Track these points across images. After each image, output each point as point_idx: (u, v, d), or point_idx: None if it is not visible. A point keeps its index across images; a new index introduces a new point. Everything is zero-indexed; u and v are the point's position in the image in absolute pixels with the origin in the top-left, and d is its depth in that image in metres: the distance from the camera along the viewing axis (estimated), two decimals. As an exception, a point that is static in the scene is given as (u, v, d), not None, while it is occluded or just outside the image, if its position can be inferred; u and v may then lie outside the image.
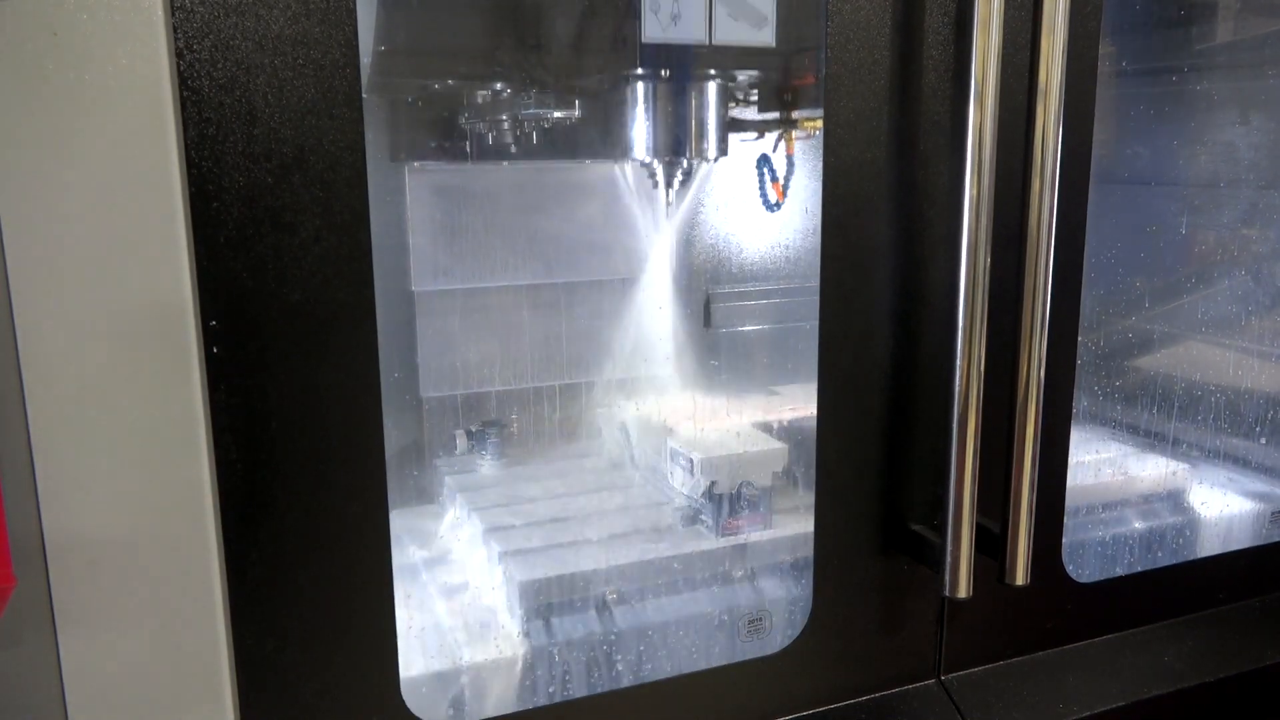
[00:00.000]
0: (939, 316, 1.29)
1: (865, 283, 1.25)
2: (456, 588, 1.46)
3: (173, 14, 0.89)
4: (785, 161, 1.59)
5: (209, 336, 0.95)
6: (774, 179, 1.62)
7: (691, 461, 1.52)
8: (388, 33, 1.28)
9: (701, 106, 1.37)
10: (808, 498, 1.33)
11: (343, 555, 1.05)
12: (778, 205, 1.61)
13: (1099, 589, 1.53)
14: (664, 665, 1.39)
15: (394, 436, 1.49)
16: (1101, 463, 1.82)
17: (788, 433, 1.58)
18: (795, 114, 1.44)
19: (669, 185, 1.49)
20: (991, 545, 1.29)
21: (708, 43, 1.20)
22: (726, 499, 1.51)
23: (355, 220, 0.99)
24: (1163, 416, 1.87)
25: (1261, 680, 1.56)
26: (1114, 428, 1.89)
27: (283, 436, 1.00)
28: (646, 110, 1.35)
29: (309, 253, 0.97)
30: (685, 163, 1.44)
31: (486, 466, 1.67)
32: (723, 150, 1.41)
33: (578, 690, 1.35)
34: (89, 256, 0.88)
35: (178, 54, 0.89)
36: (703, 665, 1.29)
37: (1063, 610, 1.50)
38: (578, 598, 1.41)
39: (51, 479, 0.90)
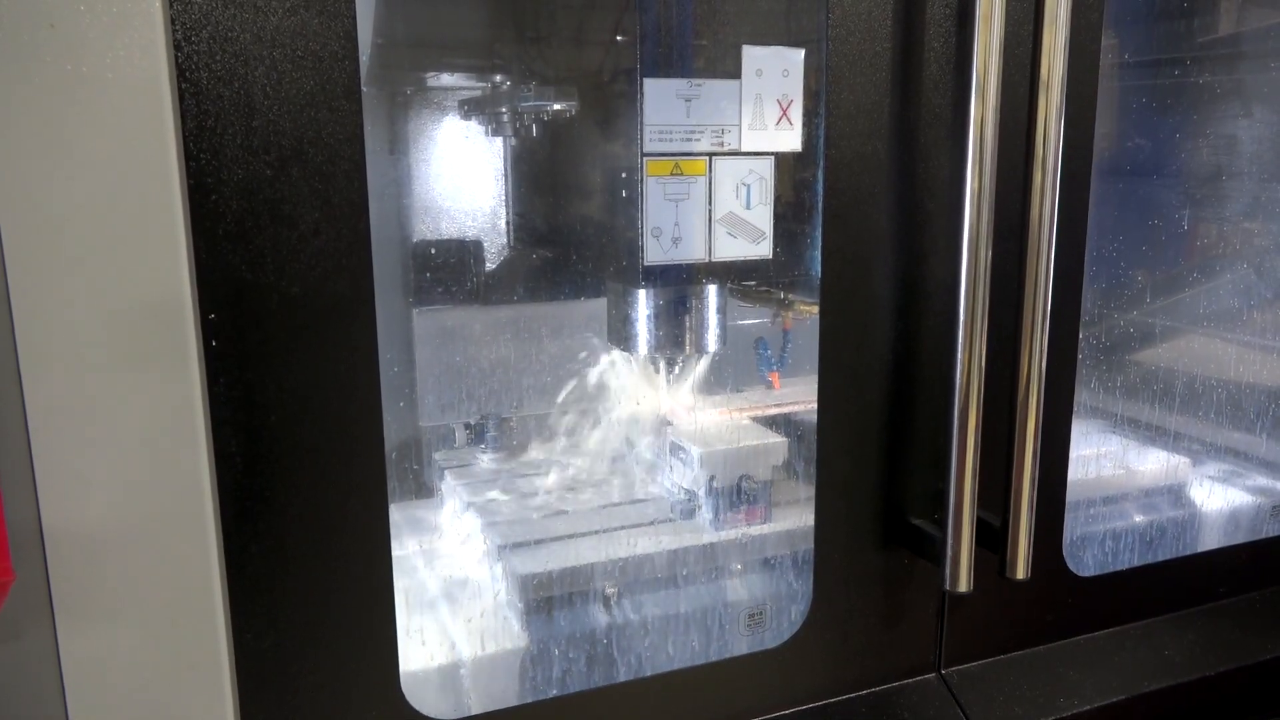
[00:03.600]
0: (940, 310, 1.29)
1: (866, 276, 1.25)
2: (455, 581, 1.47)
3: (171, 6, 0.89)
4: (782, 336, 1.64)
5: (208, 330, 0.95)
6: (771, 367, 1.67)
7: (691, 455, 1.52)
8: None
9: (701, 308, 1.44)
10: (808, 491, 1.33)
11: (342, 549, 1.05)
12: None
13: (1100, 583, 1.53)
14: (663, 659, 1.40)
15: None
16: (1102, 457, 1.82)
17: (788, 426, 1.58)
18: (791, 297, 1.51)
19: (670, 371, 1.58)
20: (992, 539, 1.29)
21: (708, 260, 1.27)
22: (726, 493, 1.51)
23: (354, 212, 0.99)
24: (1164, 410, 1.88)
25: (1262, 674, 1.56)
26: (1115, 422, 1.89)
27: (282, 430, 1.00)
28: (648, 316, 1.43)
29: (308, 245, 0.98)
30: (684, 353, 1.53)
31: (485, 459, 1.67)
32: (722, 341, 1.49)
33: (576, 684, 1.36)
34: (87, 249, 0.88)
35: (176, 46, 0.89)
36: (702, 659, 1.30)
37: (1063, 604, 1.50)
38: (577, 591, 1.42)
39: (50, 472, 0.91)
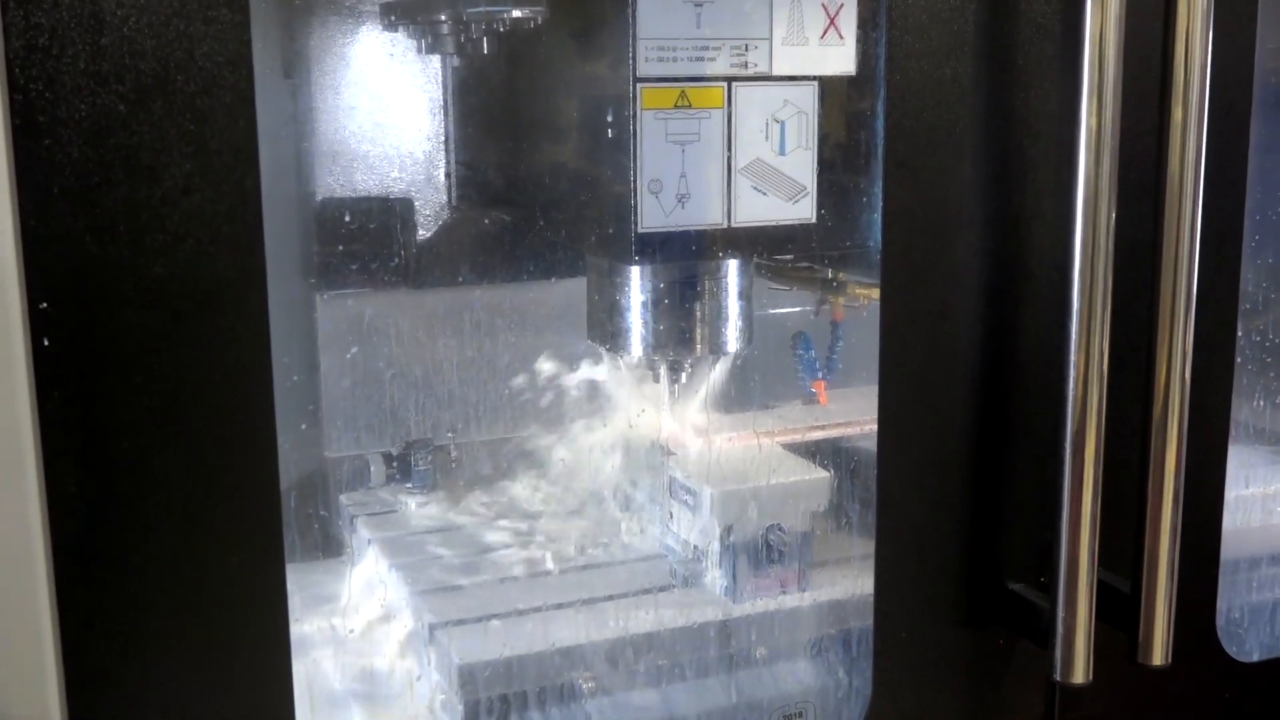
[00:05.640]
0: (1045, 294, 1.31)
1: (943, 248, 1.27)
2: (374, 674, 1.48)
3: (-12, -123, 0.90)
4: (830, 331, 1.65)
5: (38, 323, 0.95)
6: (814, 374, 1.68)
7: (700, 497, 1.53)
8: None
9: (718, 292, 1.44)
10: (864, 547, 1.35)
11: (222, 628, 1.06)
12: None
13: (1266, 671, 1.55)
14: (664, 779, 1.41)
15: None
16: (1270, 499, 1.84)
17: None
18: (843, 276, 1.51)
19: (674, 381, 1.56)
20: (1119, 611, 1.31)
21: (726, 225, 1.27)
22: (747, 549, 1.53)
23: (239, 162, 1.00)
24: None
25: None
26: (1286, 449, 1.91)
27: (139, 462, 1.01)
28: (643, 304, 1.43)
29: (176, 208, 0.99)
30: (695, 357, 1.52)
31: (413, 503, 1.68)
32: (746, 338, 1.49)
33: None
34: None
35: (-5, -67, 0.91)
36: (719, 779, 1.32)
37: (1217, 698, 1.52)
38: (540, 686, 1.43)
39: None
